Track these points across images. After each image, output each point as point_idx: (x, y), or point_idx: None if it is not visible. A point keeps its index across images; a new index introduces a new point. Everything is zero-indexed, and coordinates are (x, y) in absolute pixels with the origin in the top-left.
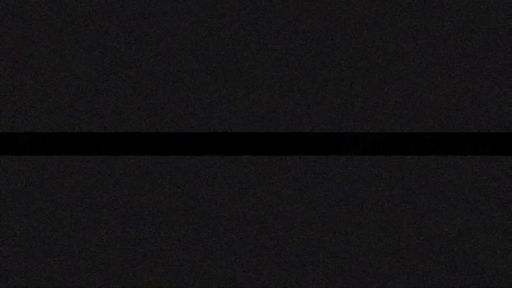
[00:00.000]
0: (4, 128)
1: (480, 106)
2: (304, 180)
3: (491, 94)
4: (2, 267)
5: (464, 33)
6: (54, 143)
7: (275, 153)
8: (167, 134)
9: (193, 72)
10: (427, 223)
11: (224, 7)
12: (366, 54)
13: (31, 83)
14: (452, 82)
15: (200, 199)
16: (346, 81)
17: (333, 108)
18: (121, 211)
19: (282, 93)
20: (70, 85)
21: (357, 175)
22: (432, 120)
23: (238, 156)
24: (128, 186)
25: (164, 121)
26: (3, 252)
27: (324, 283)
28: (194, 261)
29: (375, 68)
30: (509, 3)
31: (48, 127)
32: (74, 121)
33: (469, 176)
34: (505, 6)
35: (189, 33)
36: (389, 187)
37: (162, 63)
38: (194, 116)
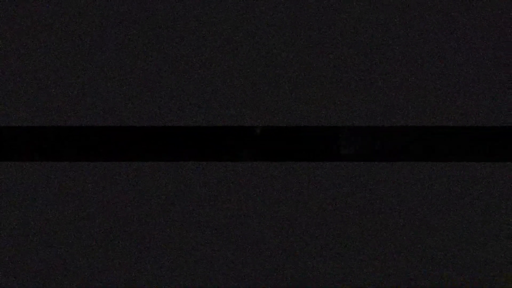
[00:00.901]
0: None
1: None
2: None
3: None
4: (2, 268)
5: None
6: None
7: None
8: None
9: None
10: (427, 225)
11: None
12: (366, 53)
13: (30, 80)
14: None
15: (199, 202)
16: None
17: (333, 104)
18: (121, 214)
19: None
20: (69, 82)
21: (356, 179)
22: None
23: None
24: (128, 189)
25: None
26: (4, 253)
27: (323, 284)
28: (194, 262)
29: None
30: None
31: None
32: (72, 117)
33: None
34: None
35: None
36: (389, 190)
37: (161, 63)
38: (194, 113)
